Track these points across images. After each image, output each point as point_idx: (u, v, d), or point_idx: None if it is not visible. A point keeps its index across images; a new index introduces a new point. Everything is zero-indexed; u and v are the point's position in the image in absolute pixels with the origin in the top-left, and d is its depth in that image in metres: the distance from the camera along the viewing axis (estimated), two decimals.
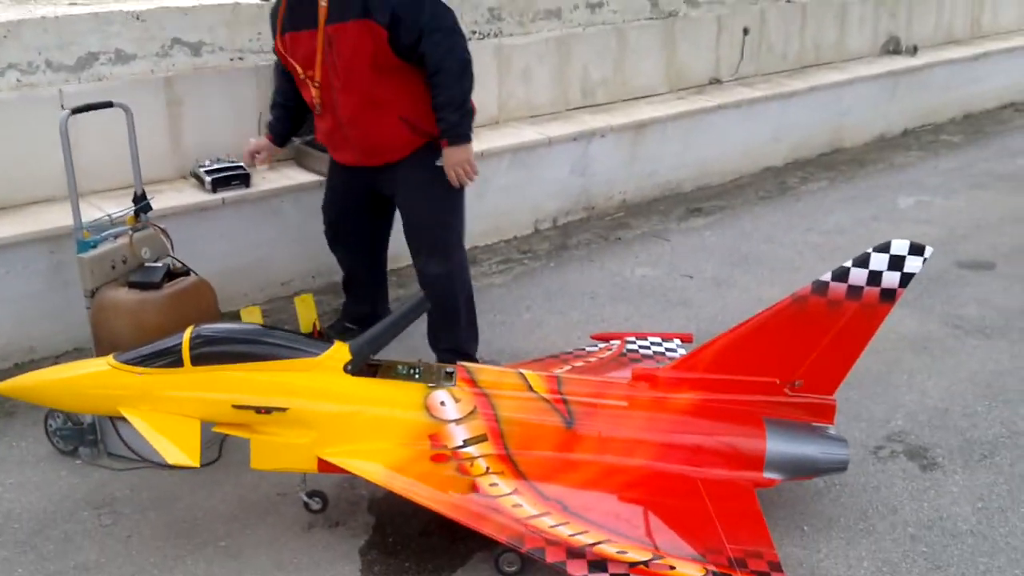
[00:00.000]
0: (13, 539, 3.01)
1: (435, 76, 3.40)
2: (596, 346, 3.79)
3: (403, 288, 4.83)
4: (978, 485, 3.16)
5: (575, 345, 4.18)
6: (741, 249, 5.54)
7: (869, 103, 7.67)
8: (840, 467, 2.91)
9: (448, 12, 3.41)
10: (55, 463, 3.42)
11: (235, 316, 3.88)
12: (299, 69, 3.55)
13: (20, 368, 4.08)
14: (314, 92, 3.55)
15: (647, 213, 6.24)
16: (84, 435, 3.40)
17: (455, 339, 3.77)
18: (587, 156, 5.92)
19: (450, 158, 3.51)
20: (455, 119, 3.46)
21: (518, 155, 5.57)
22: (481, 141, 5.49)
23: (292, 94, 3.78)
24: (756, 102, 6.78)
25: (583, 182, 6.01)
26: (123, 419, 3.29)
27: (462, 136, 3.50)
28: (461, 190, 3.66)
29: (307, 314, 3.42)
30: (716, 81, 7.08)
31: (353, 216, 3.97)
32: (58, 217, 4.13)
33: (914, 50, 8.12)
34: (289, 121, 3.96)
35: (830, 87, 7.27)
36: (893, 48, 8.21)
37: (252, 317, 3.39)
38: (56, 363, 3.87)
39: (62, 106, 4.23)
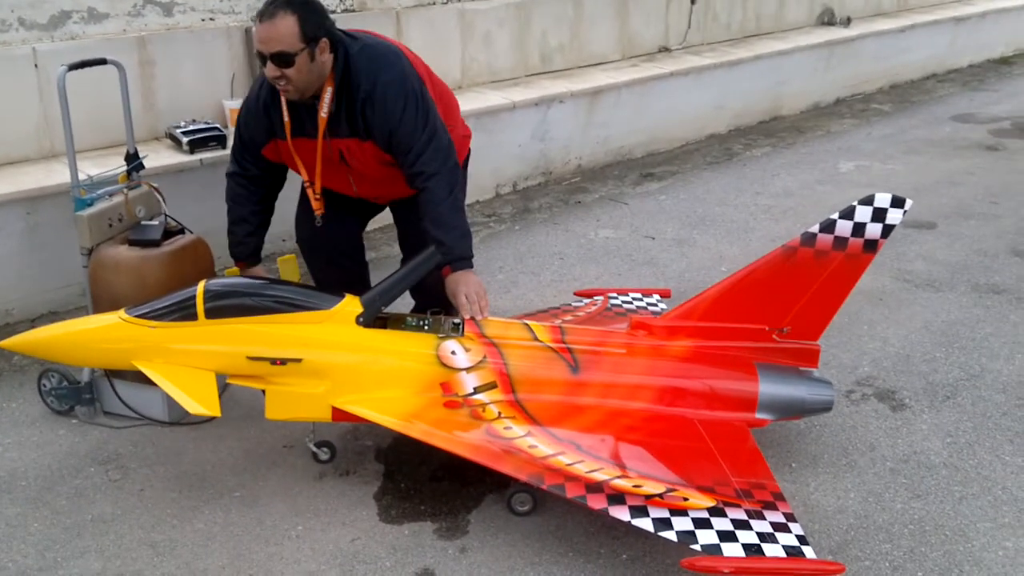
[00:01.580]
0: (24, 495, 3.02)
1: (425, 192, 3.20)
2: (581, 302, 3.93)
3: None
4: (945, 423, 3.42)
5: (551, 303, 4.33)
6: (697, 211, 5.74)
7: (806, 72, 7.97)
8: (826, 407, 3.12)
9: (443, 138, 3.25)
10: (51, 422, 3.42)
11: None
12: (305, 174, 3.38)
13: None
14: (316, 203, 3.41)
15: (602, 178, 6.41)
16: (80, 394, 3.41)
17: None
18: (546, 121, 6.05)
19: (460, 285, 3.14)
20: (452, 240, 3.18)
21: (481, 119, 5.65)
22: None
23: (257, 200, 3.47)
24: (704, 70, 6.99)
25: (542, 147, 6.14)
26: (119, 377, 3.36)
27: (465, 259, 3.21)
28: None
29: (291, 275, 3.47)
30: (665, 49, 7.27)
31: (336, 225, 3.59)
32: (34, 179, 4.11)
33: (847, 21, 8.44)
34: (260, 233, 3.54)
35: (772, 56, 7.53)
36: (828, 19, 8.51)
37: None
38: (33, 326, 3.83)
39: (36, 65, 4.18)
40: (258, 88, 3.29)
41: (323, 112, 3.16)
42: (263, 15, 3.02)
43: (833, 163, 6.71)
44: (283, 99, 3.20)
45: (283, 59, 3.01)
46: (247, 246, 3.50)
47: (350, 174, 3.39)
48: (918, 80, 9.34)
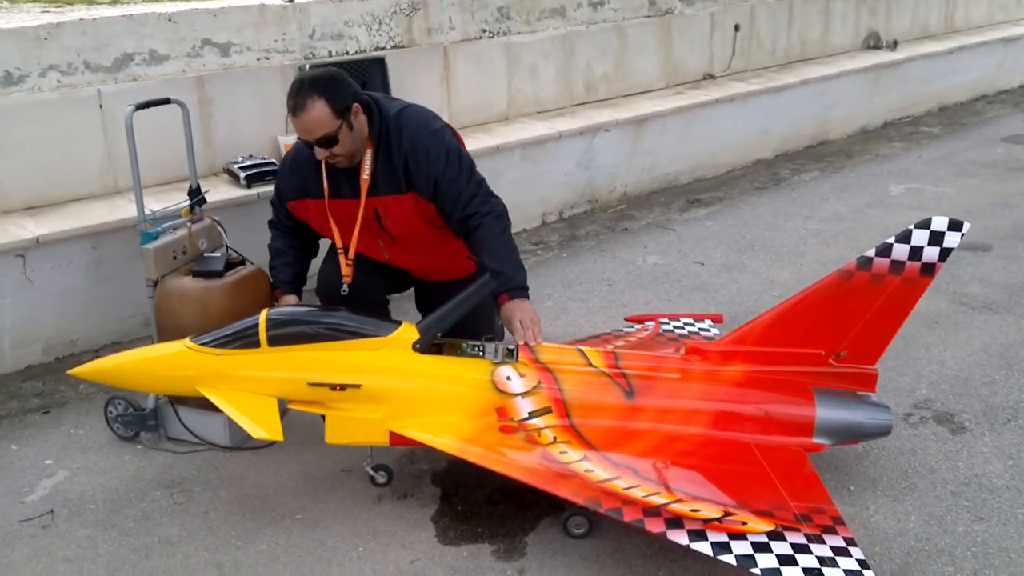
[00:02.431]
0: (93, 518, 3.11)
1: (479, 231, 3.25)
2: (632, 327, 3.95)
3: None
4: (1007, 445, 3.38)
5: (601, 329, 4.35)
6: (745, 237, 5.74)
7: (853, 96, 7.95)
8: (884, 431, 3.10)
9: (479, 177, 3.35)
10: (117, 448, 3.52)
11: None
12: (339, 238, 3.42)
13: (62, 362, 4.18)
14: (346, 268, 3.44)
15: (648, 205, 6.44)
16: (146, 420, 3.51)
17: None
18: (592, 150, 6.11)
19: (516, 314, 3.18)
20: (510, 270, 3.25)
21: (528, 149, 5.73)
22: (494, 136, 5.68)
23: (296, 246, 3.55)
24: (749, 96, 7.01)
25: (588, 175, 6.19)
26: (183, 404, 3.45)
27: (522, 288, 3.27)
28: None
29: None
30: (710, 76, 7.30)
31: (361, 292, 3.51)
32: (99, 214, 4.25)
33: (894, 45, 8.41)
34: (298, 265, 3.57)
35: (818, 81, 7.53)
36: (874, 43, 8.50)
37: None
38: (96, 356, 3.94)
39: (100, 106, 4.34)
40: (295, 150, 3.41)
41: (365, 174, 3.26)
42: (294, 109, 3.14)
43: (883, 187, 6.68)
44: (323, 163, 3.29)
45: (327, 141, 3.15)
46: (284, 272, 3.53)
47: (381, 238, 3.43)
48: (967, 102, 9.27)
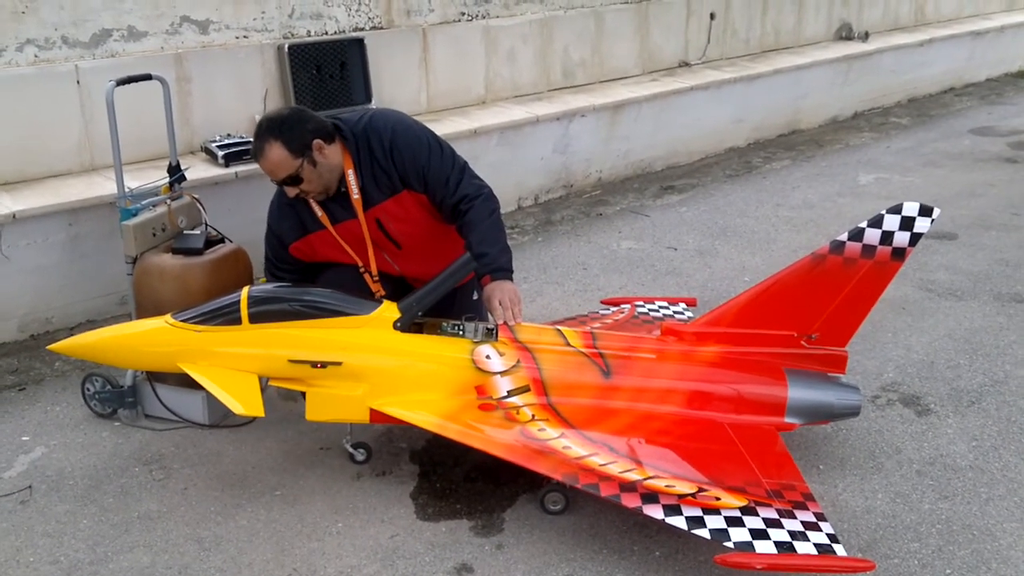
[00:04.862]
0: (72, 494, 3.12)
1: (468, 213, 3.28)
2: (609, 310, 4.01)
3: None
4: (970, 427, 3.48)
5: (578, 311, 4.41)
6: (718, 223, 5.82)
7: (824, 86, 8.05)
8: (854, 412, 3.18)
9: (461, 161, 3.37)
10: (95, 425, 3.52)
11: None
12: (357, 258, 3.40)
13: (37, 340, 4.17)
14: (375, 285, 3.42)
15: (623, 191, 6.49)
16: (124, 397, 3.51)
17: None
18: (568, 135, 6.15)
19: (496, 293, 3.21)
20: (495, 252, 3.27)
21: (505, 134, 5.76)
22: (472, 119, 5.70)
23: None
24: (723, 84, 7.08)
25: (564, 160, 6.23)
26: (161, 381, 3.46)
27: (505, 270, 3.28)
28: None
29: None
30: (685, 64, 7.36)
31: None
32: (76, 191, 4.22)
33: (866, 36, 8.51)
34: None
35: (790, 71, 7.61)
36: (846, 34, 8.60)
37: None
38: (71, 334, 3.93)
39: (77, 82, 4.31)
40: (278, 192, 3.39)
41: (355, 195, 3.27)
42: (255, 153, 3.21)
43: (852, 176, 6.78)
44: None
45: (291, 180, 3.19)
46: None
47: (387, 251, 3.42)
48: (936, 94, 9.40)
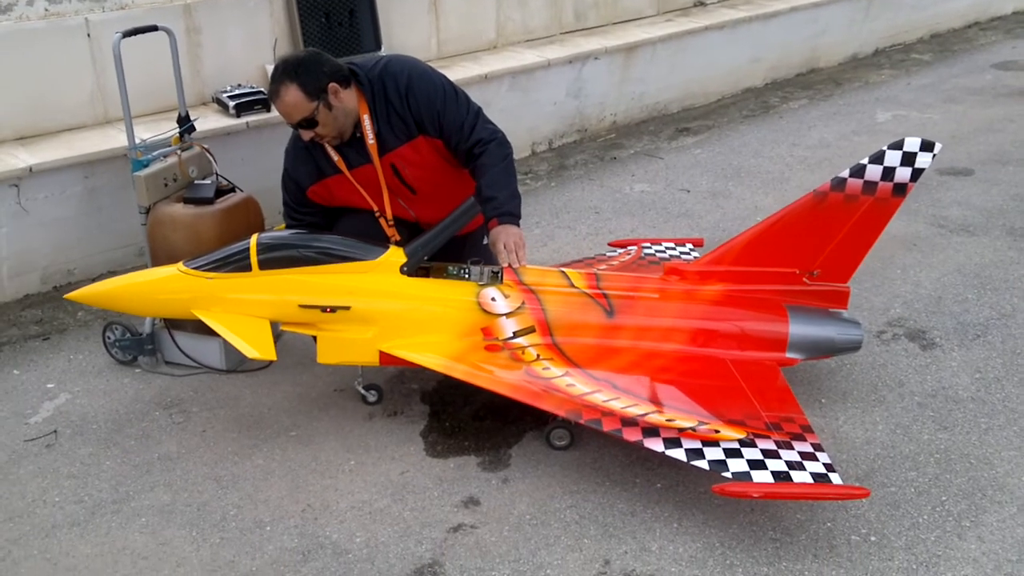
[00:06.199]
0: (95, 437, 3.23)
1: (481, 157, 3.29)
2: (615, 252, 4.05)
3: None
4: (974, 359, 3.51)
5: (587, 255, 4.44)
6: (732, 164, 5.80)
7: (844, 24, 7.91)
8: (855, 346, 3.21)
9: (476, 106, 3.39)
10: (116, 372, 3.63)
11: None
12: (373, 203, 3.42)
13: (59, 291, 4.27)
14: (390, 230, 3.45)
15: (637, 134, 6.48)
16: (143, 345, 3.61)
17: None
18: (581, 79, 6.12)
19: (501, 236, 3.21)
20: (504, 196, 3.27)
21: (517, 78, 5.75)
22: (482, 64, 5.70)
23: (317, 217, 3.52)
24: (739, 23, 6.98)
25: (577, 104, 6.22)
26: (180, 329, 3.55)
27: (512, 215, 3.28)
28: None
29: None
30: (700, 3, 7.27)
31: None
32: (90, 143, 4.29)
33: None
34: None
35: (808, 8, 7.48)
36: None
37: None
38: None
39: (88, 35, 4.36)
40: (294, 136, 3.40)
41: (370, 139, 3.29)
42: (271, 95, 3.21)
43: (870, 114, 6.71)
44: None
45: (307, 123, 3.20)
46: None
47: (402, 197, 3.45)
48: (960, 29, 9.22)
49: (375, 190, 3.40)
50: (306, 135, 3.25)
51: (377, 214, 3.45)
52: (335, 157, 3.34)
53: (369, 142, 3.29)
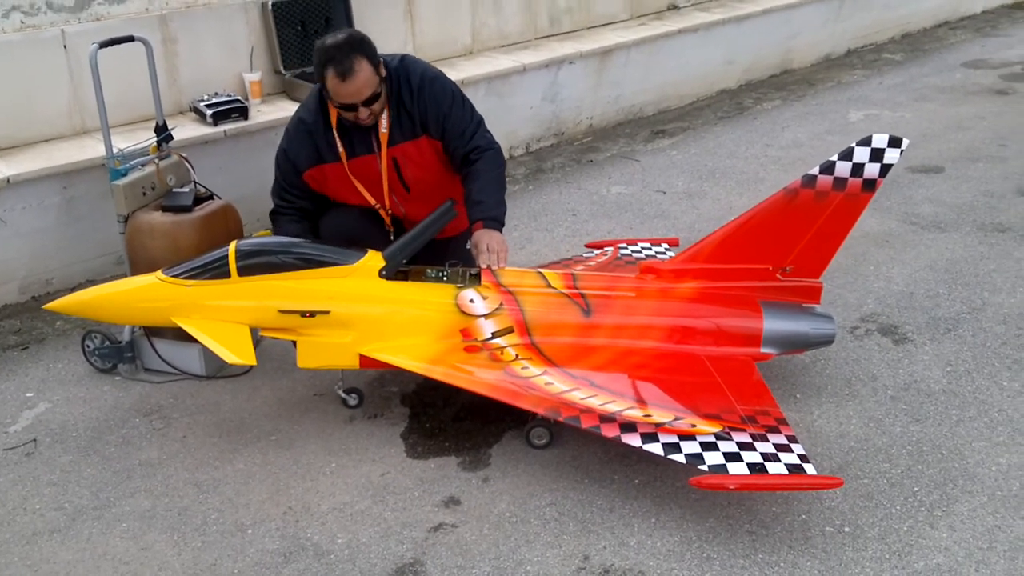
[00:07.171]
0: (75, 445, 3.24)
1: (476, 163, 3.37)
2: (592, 253, 4.09)
3: None
4: (946, 352, 3.57)
5: (564, 257, 4.48)
6: (707, 165, 5.86)
7: (816, 25, 8.01)
8: (828, 340, 3.26)
9: (478, 116, 3.48)
10: (96, 380, 3.64)
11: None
12: (367, 195, 3.46)
13: (38, 301, 4.27)
14: (387, 218, 3.52)
15: (614, 136, 6.53)
16: (122, 352, 3.62)
17: None
18: (557, 83, 6.16)
19: (483, 239, 3.26)
20: (491, 202, 3.34)
21: (493, 83, 5.78)
22: (458, 70, 5.72)
23: (307, 217, 3.53)
24: (712, 26, 7.05)
25: (553, 108, 6.26)
26: (158, 336, 3.57)
27: (496, 220, 3.34)
28: None
29: None
30: (673, 7, 7.34)
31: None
32: (68, 154, 4.30)
33: None
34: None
35: (781, 10, 7.57)
36: None
37: None
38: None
39: (64, 46, 4.37)
40: (298, 118, 3.42)
41: (384, 128, 3.32)
42: (343, 74, 3.12)
43: (843, 113, 6.79)
44: (333, 125, 3.33)
45: (373, 100, 3.21)
46: None
47: (397, 192, 3.47)
48: (930, 28, 9.34)
49: (370, 182, 3.43)
50: (363, 113, 3.23)
51: (376, 205, 3.48)
52: (339, 144, 3.35)
53: (382, 130, 3.33)
